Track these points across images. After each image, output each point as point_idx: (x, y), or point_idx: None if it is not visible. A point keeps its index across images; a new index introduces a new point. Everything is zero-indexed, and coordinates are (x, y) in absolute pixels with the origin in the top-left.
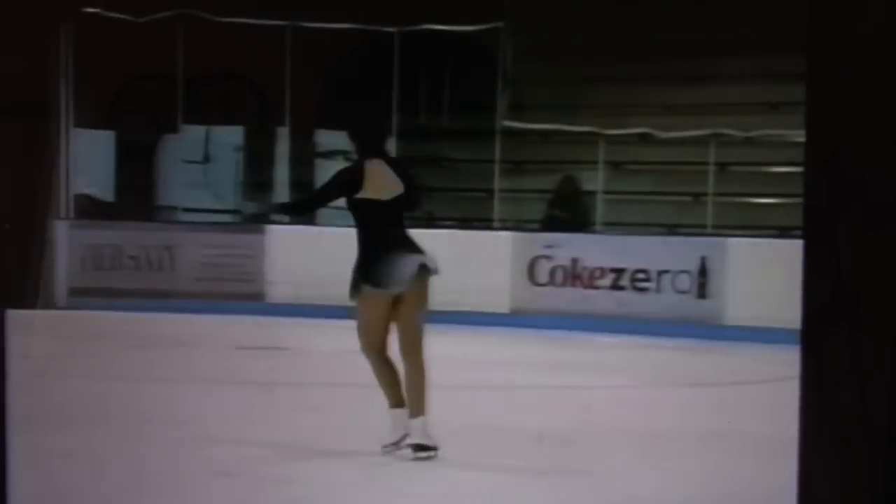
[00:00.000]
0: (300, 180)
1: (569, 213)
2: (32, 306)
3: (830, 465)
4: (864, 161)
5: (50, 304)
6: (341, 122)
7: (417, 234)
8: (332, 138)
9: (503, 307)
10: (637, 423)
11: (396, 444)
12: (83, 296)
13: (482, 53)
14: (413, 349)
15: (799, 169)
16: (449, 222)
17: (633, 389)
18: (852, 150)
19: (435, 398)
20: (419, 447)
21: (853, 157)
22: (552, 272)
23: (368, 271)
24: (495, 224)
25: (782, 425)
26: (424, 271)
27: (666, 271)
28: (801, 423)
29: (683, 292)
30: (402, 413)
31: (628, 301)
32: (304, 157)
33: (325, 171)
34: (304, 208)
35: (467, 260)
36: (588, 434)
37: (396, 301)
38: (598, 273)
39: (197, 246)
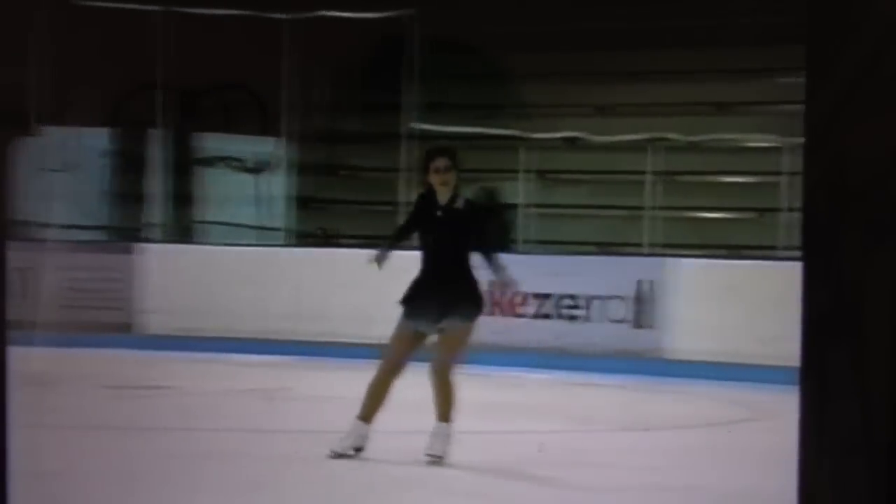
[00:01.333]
0: (177, 191)
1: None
2: None
3: (831, 482)
4: (865, 172)
5: None
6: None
7: (310, 255)
8: (214, 142)
9: None
10: (564, 476)
11: (341, 453)
12: None
13: (387, 44)
14: (441, 378)
15: (752, 178)
16: (349, 240)
17: (559, 436)
18: (853, 162)
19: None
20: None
21: (854, 169)
22: None
23: (410, 300)
24: (403, 243)
25: (737, 475)
26: (456, 321)
27: (598, 297)
28: (802, 438)
29: (619, 321)
30: (362, 426)
31: (556, 331)
32: (181, 164)
33: (210, 179)
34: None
35: (371, 285)
36: (509, 489)
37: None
38: (519, 299)
39: (56, 268)
